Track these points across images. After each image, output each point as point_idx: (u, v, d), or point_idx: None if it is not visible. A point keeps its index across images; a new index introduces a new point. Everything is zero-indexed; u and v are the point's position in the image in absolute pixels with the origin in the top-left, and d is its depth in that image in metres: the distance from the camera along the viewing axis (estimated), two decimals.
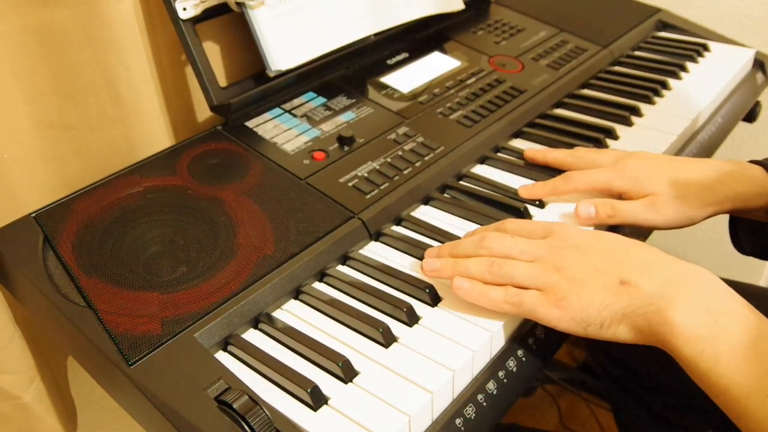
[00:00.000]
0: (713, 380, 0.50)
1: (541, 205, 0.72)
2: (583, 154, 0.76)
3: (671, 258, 0.57)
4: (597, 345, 1.07)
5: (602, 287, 0.55)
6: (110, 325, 0.55)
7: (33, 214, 0.65)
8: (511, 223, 0.64)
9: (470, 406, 0.53)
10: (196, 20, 0.78)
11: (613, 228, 0.70)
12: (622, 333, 0.54)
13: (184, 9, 0.75)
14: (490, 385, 0.55)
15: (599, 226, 0.70)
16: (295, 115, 0.81)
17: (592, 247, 0.58)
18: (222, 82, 0.85)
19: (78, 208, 0.66)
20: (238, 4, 0.78)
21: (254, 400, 0.48)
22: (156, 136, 0.79)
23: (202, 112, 0.88)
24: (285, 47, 0.81)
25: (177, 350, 0.53)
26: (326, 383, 0.52)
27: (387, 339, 0.55)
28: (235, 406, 0.47)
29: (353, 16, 0.88)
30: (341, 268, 0.65)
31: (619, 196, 0.71)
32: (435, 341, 0.56)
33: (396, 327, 0.57)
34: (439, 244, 0.66)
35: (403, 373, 0.52)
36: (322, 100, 0.83)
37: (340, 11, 0.87)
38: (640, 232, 0.72)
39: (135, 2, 0.73)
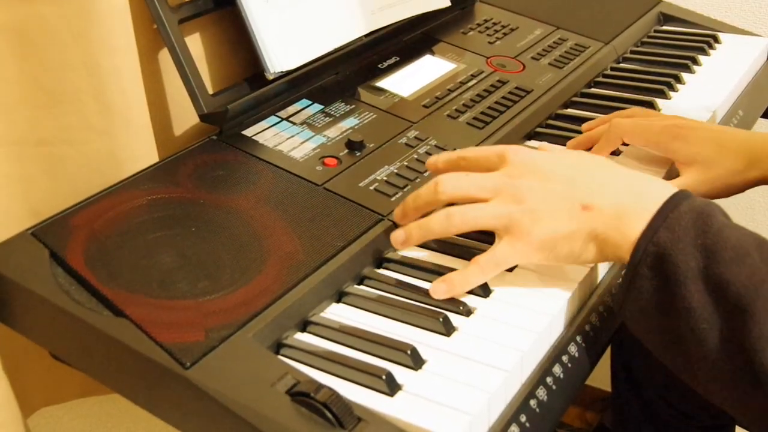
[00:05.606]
0: None
1: None
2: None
3: (630, 175, 0.68)
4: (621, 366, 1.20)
5: (566, 214, 0.65)
6: (154, 332, 0.61)
7: (30, 231, 0.70)
8: (469, 151, 0.73)
9: (541, 388, 0.61)
10: (180, 19, 0.84)
11: None
12: (590, 255, 0.65)
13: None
14: (557, 369, 0.64)
15: None
16: (294, 123, 0.88)
17: (550, 171, 0.67)
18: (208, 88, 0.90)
19: (79, 222, 0.71)
20: None
21: (332, 389, 0.55)
22: (144, 149, 0.87)
23: (181, 124, 0.95)
24: (285, 45, 0.88)
25: (232, 352, 0.59)
26: (396, 372, 0.58)
27: (448, 328, 0.63)
28: (315, 396, 0.54)
29: (347, 15, 0.97)
30: (381, 270, 0.72)
31: None
32: (495, 327, 0.64)
33: (452, 318, 0.65)
34: (471, 243, 0.74)
35: (474, 357, 0.60)
36: (318, 107, 0.91)
37: (335, 7, 0.96)
38: None
39: None
